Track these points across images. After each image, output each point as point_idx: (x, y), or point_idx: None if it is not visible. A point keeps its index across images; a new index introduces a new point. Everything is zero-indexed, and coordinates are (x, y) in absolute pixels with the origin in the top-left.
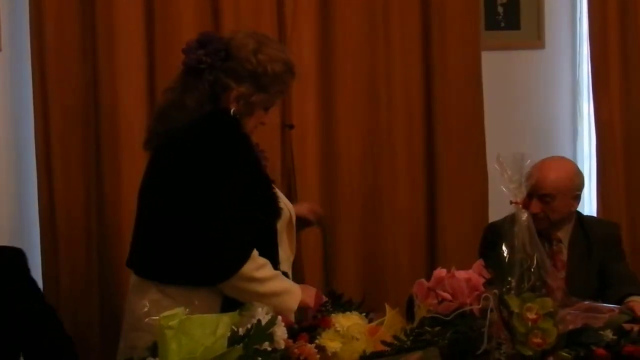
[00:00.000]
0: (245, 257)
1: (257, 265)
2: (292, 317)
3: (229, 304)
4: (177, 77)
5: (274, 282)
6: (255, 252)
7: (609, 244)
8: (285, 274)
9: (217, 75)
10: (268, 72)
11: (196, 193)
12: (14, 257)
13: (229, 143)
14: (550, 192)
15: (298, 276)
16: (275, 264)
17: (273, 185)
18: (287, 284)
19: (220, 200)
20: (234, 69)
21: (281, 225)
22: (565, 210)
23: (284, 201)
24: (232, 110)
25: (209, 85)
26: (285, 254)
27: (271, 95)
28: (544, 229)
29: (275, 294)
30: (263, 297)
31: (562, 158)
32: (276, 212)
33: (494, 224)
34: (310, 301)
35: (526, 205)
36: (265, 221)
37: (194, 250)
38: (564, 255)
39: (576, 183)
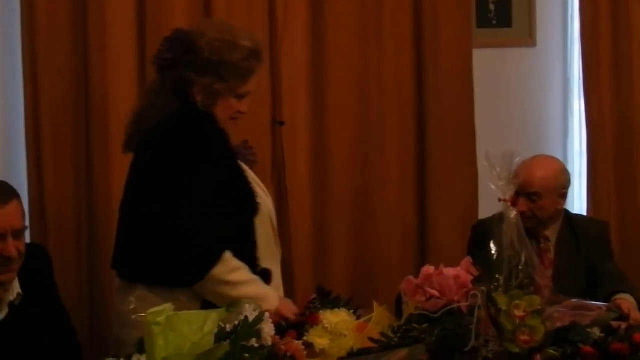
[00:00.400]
0: (215, 258)
1: (229, 268)
2: None
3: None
4: (153, 78)
5: (248, 287)
6: (228, 254)
7: (598, 242)
8: (265, 271)
9: (180, 70)
10: (225, 60)
11: (165, 191)
12: (42, 254)
13: (197, 139)
14: (537, 190)
15: (287, 274)
16: (254, 260)
17: (249, 181)
18: (262, 290)
19: (190, 198)
20: (195, 61)
21: (261, 221)
22: (552, 209)
23: (262, 197)
24: (198, 103)
25: (173, 81)
26: (271, 250)
27: (234, 83)
28: (532, 228)
29: (248, 299)
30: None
31: (549, 157)
32: (252, 207)
33: (482, 221)
34: (287, 312)
35: (514, 203)
36: (241, 217)
37: (166, 250)
38: (552, 254)
39: (562, 181)
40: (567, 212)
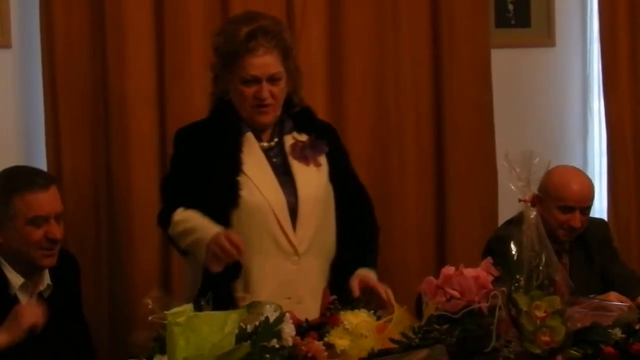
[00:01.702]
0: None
1: (172, 224)
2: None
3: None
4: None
5: (187, 237)
6: (176, 211)
7: (604, 245)
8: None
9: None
10: (218, 47)
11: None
12: (74, 262)
13: (191, 129)
14: (591, 203)
15: None
16: None
17: (242, 175)
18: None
19: (173, 178)
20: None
21: (248, 214)
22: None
23: (254, 191)
24: (211, 94)
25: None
26: (261, 245)
27: (233, 71)
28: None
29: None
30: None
31: (575, 167)
32: (230, 200)
33: (501, 235)
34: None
35: (566, 219)
36: (215, 207)
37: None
38: (566, 261)
39: None
40: None
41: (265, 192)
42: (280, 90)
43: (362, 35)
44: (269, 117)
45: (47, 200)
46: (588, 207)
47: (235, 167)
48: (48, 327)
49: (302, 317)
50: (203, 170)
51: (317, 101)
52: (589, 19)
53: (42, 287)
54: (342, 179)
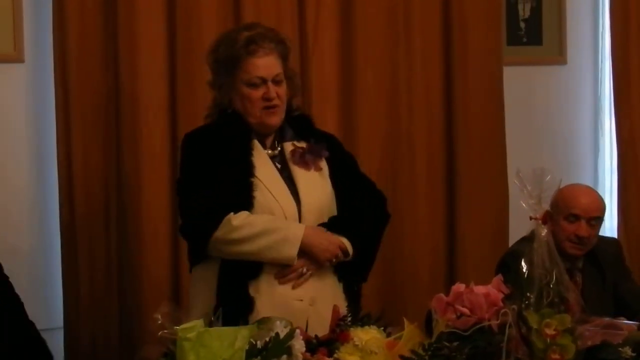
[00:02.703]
0: (214, 222)
1: (231, 228)
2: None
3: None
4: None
5: (257, 241)
6: (230, 216)
7: (617, 264)
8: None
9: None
10: (220, 59)
11: (180, 179)
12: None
13: (200, 133)
14: (599, 215)
15: None
16: None
17: (255, 177)
18: (273, 239)
19: (192, 181)
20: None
21: None
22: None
23: (266, 196)
24: (217, 99)
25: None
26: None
27: (236, 77)
28: (579, 257)
29: (265, 249)
30: (252, 255)
31: (586, 185)
32: (243, 200)
33: (515, 250)
34: (317, 241)
35: (573, 229)
36: (228, 207)
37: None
38: (579, 281)
39: None
40: None
41: (277, 196)
42: (284, 91)
43: (374, 50)
44: (278, 118)
45: None
46: (596, 218)
47: (247, 169)
48: None
49: (315, 319)
50: (216, 172)
51: (328, 115)
52: (601, 37)
53: None
54: (346, 180)
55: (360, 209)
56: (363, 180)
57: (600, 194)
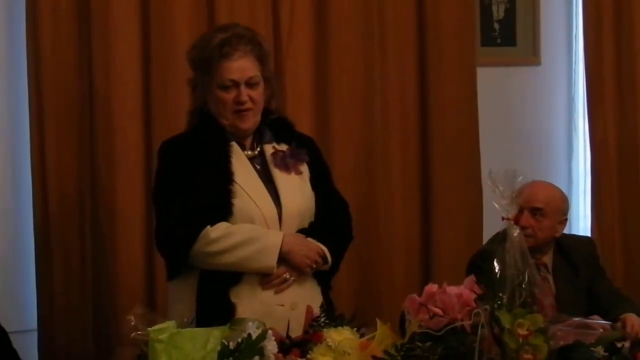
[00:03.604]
0: (192, 236)
1: (208, 241)
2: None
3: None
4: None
5: (235, 252)
6: (207, 229)
7: (591, 263)
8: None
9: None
10: (195, 60)
11: (155, 189)
12: None
13: (177, 140)
14: (542, 206)
15: None
16: None
17: (234, 183)
18: (252, 249)
19: (168, 192)
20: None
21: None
22: (551, 233)
23: (247, 201)
24: (194, 101)
25: None
26: None
27: (210, 78)
28: (529, 249)
29: (244, 260)
30: (232, 266)
31: (545, 181)
32: (223, 208)
33: (485, 251)
34: (296, 248)
35: (516, 219)
36: (207, 215)
37: (156, 239)
38: (551, 282)
39: (565, 206)
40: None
41: (257, 201)
42: (258, 95)
43: (349, 52)
44: (250, 122)
45: None
46: (536, 209)
47: (226, 175)
48: None
49: (296, 323)
50: (194, 180)
51: (303, 118)
52: (575, 38)
53: None
54: (322, 189)
55: (325, 225)
56: (334, 196)
57: (574, 194)
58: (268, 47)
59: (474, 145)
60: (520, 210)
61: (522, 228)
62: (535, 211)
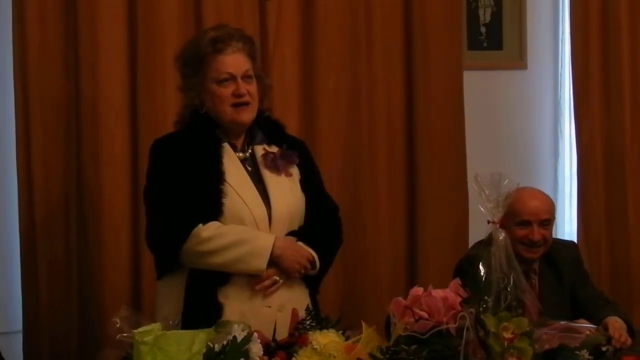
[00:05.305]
0: (183, 234)
1: (200, 240)
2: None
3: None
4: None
5: (225, 254)
6: (199, 227)
7: (575, 268)
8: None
9: None
10: (188, 59)
11: (146, 187)
12: None
13: (169, 139)
14: (549, 216)
15: None
16: None
17: (225, 183)
18: (242, 251)
19: (160, 191)
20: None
21: (231, 223)
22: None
23: (237, 201)
24: (187, 100)
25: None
26: None
27: (205, 75)
28: (536, 260)
29: (234, 261)
30: (222, 267)
31: (534, 188)
32: (213, 207)
33: (471, 255)
34: (286, 253)
35: (525, 234)
36: (203, 215)
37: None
38: (536, 287)
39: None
40: None
41: (247, 201)
42: (254, 89)
43: (335, 55)
44: (249, 115)
45: None
46: (546, 221)
47: (217, 175)
48: None
49: (283, 325)
50: (185, 179)
51: (290, 119)
52: (561, 42)
53: None
54: (312, 192)
55: (316, 230)
56: (325, 198)
57: (560, 198)
58: (256, 46)
59: (460, 148)
60: (524, 224)
61: (532, 243)
62: (545, 222)
